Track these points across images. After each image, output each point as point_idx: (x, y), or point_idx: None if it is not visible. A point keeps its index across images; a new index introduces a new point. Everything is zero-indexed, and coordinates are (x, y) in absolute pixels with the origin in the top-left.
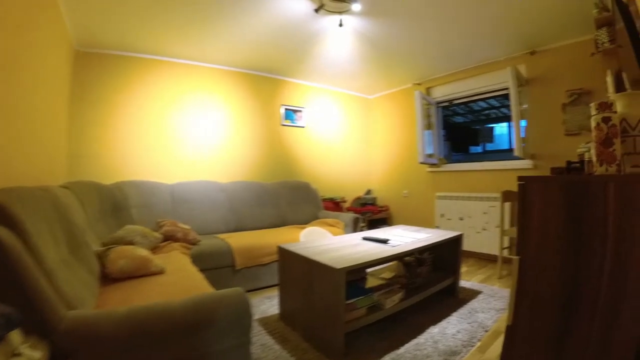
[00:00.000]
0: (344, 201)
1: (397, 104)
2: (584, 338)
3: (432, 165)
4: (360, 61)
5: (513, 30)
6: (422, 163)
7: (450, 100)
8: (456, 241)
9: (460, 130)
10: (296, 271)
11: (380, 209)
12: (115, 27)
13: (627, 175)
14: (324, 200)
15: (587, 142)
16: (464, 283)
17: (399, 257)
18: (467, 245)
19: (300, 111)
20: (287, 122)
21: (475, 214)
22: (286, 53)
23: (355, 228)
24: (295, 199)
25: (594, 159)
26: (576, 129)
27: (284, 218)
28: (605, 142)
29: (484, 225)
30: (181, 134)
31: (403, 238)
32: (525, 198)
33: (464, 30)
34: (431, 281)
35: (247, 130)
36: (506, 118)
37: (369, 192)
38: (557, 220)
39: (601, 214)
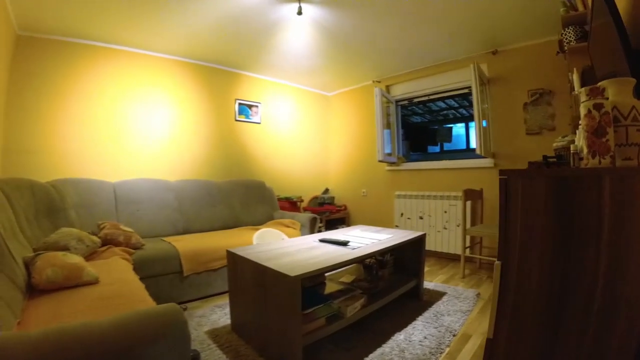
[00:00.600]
0: (301, 201)
1: (356, 101)
2: (574, 353)
3: (391, 163)
4: (319, 56)
5: (476, 29)
6: (381, 161)
7: (410, 99)
8: (419, 241)
9: (419, 129)
10: (247, 278)
11: (338, 208)
12: (59, 9)
13: (624, 168)
14: (280, 200)
15: (564, 136)
16: (427, 284)
17: (359, 260)
18: (427, 245)
19: (256, 106)
20: (242, 118)
21: (436, 213)
22: (242, 44)
23: (313, 229)
24: (249, 198)
25: (584, 150)
26: (537, 128)
27: (237, 219)
28: (597, 132)
29: (445, 224)
30: (127, 129)
31: (363, 239)
32: (508, 194)
33: (426, 27)
34: (394, 284)
35: (198, 125)
36: (464, 119)
37: (326, 191)
38: (544, 218)
39: (595, 210)
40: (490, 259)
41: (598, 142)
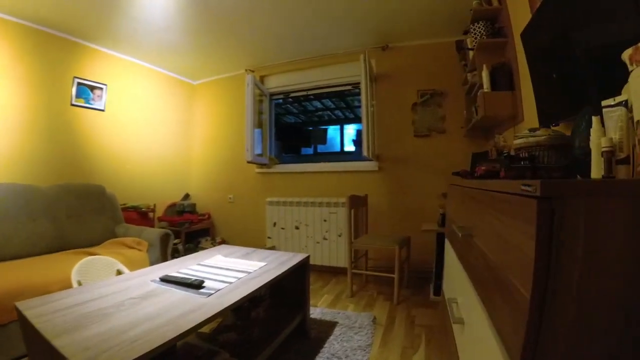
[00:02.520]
0: (152, 210)
1: (225, 92)
2: None
3: (262, 165)
4: (184, 31)
5: (368, 18)
6: (250, 162)
7: (287, 93)
8: (302, 267)
9: (292, 130)
10: (42, 353)
11: (200, 217)
12: None
13: None
14: (127, 209)
15: (533, 129)
16: (313, 310)
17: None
18: None
19: (100, 89)
20: (80, 102)
21: (314, 222)
22: (86, 2)
23: (165, 248)
24: (81, 209)
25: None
26: (426, 130)
27: (63, 238)
28: None
29: (325, 234)
30: None
31: (226, 273)
32: (561, 224)
33: (311, 10)
34: (274, 326)
35: (15, 106)
36: (339, 121)
37: (187, 197)
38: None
39: None
40: (379, 274)
41: None
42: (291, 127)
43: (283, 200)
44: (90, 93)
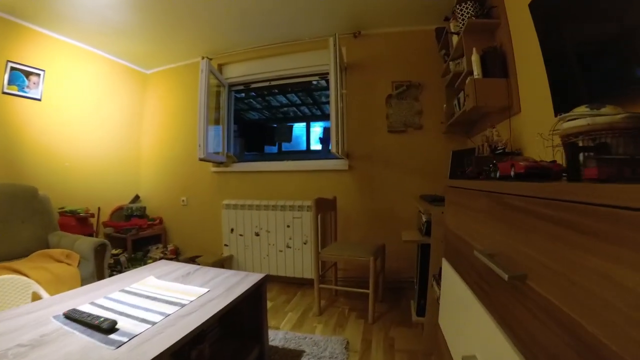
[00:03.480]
0: (92, 215)
1: (180, 83)
2: None
3: (219, 164)
4: (131, 9)
5: (336, 2)
6: (202, 160)
7: (247, 83)
8: (258, 289)
9: (255, 126)
10: None
11: (150, 222)
12: None
13: None
14: (64, 214)
15: (593, 105)
16: (274, 334)
17: None
18: (268, 269)
19: (37, 75)
20: (13, 89)
21: (276, 228)
22: None
23: (101, 261)
24: (9, 214)
25: None
26: (401, 125)
27: None
28: None
29: (288, 242)
30: None
31: (153, 306)
32: None
33: None
34: None
35: None
36: (305, 118)
37: (137, 199)
38: None
39: None
40: (351, 289)
41: None
42: (254, 123)
43: (241, 204)
44: (25, 80)
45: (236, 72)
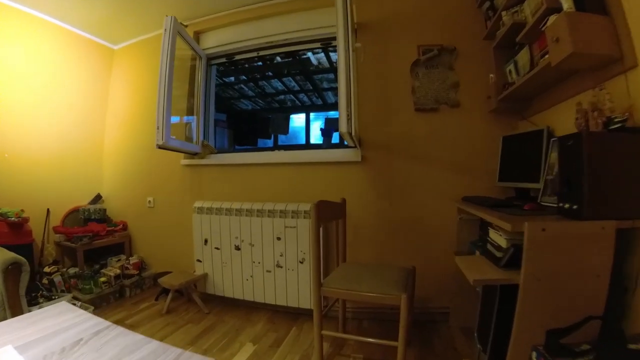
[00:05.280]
0: (26, 220)
1: (152, 58)
2: None
3: (192, 155)
4: None
5: None
6: (162, 148)
7: (231, 54)
8: None
9: (247, 117)
10: None
11: (111, 228)
12: None
13: None
14: None
15: None
16: None
17: None
18: (252, 295)
19: None
20: None
21: (263, 240)
22: None
23: (14, 286)
24: None
25: None
26: (432, 102)
27: None
28: None
29: (278, 260)
30: None
31: None
32: None
33: None
34: None
35: None
36: (305, 108)
37: (98, 198)
38: None
39: None
40: (369, 340)
41: None
42: (246, 113)
43: (217, 207)
44: None
45: (216, 40)
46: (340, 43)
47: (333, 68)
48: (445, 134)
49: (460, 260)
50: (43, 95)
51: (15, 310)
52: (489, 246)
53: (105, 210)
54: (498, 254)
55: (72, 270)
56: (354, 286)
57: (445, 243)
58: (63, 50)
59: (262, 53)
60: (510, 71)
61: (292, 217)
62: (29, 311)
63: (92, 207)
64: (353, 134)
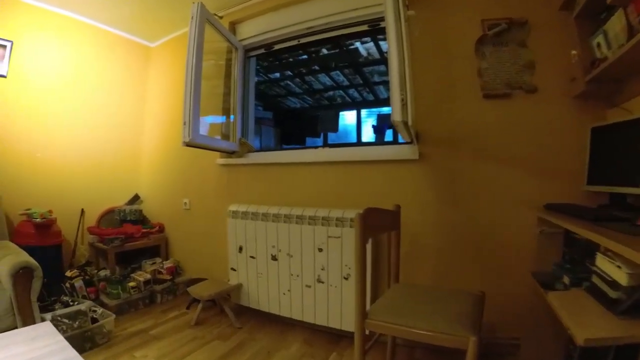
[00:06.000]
0: (53, 221)
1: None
2: None
3: (228, 154)
4: None
5: None
6: (189, 145)
7: (269, 44)
8: None
9: (295, 115)
10: None
11: (146, 230)
12: None
13: None
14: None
15: None
16: None
17: None
18: (288, 309)
19: (2, 46)
20: None
21: (302, 251)
22: None
23: (25, 291)
24: None
25: None
26: (502, 86)
27: None
28: None
29: (319, 274)
30: None
31: None
32: None
33: None
34: None
35: None
36: (355, 104)
37: (136, 199)
38: None
39: None
40: None
41: None
42: (293, 111)
43: (253, 211)
44: None
45: (253, 29)
46: (388, 6)
47: (384, 59)
48: (519, 126)
49: (556, 299)
50: (75, 96)
51: (26, 317)
52: (595, 278)
53: (141, 211)
54: (613, 294)
55: (102, 273)
56: (407, 321)
57: (518, 259)
58: (102, 51)
59: (303, 41)
60: (598, 44)
61: (337, 226)
62: (41, 318)
63: (127, 207)
64: (409, 123)
